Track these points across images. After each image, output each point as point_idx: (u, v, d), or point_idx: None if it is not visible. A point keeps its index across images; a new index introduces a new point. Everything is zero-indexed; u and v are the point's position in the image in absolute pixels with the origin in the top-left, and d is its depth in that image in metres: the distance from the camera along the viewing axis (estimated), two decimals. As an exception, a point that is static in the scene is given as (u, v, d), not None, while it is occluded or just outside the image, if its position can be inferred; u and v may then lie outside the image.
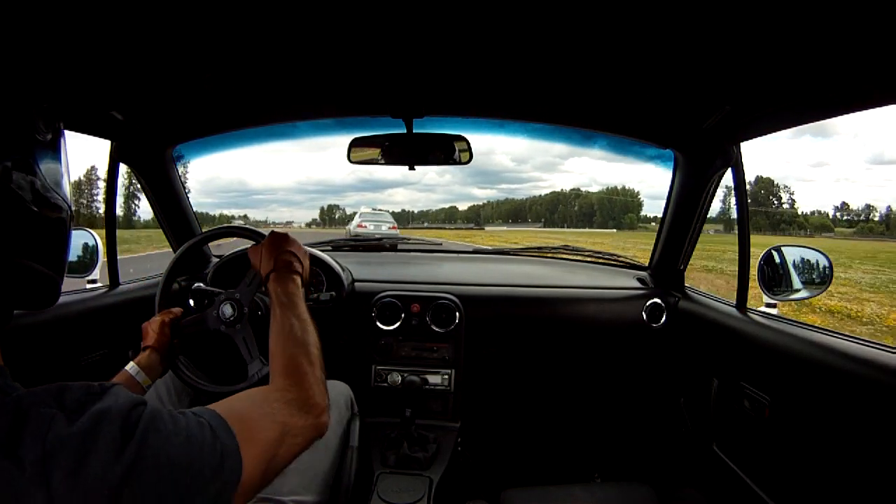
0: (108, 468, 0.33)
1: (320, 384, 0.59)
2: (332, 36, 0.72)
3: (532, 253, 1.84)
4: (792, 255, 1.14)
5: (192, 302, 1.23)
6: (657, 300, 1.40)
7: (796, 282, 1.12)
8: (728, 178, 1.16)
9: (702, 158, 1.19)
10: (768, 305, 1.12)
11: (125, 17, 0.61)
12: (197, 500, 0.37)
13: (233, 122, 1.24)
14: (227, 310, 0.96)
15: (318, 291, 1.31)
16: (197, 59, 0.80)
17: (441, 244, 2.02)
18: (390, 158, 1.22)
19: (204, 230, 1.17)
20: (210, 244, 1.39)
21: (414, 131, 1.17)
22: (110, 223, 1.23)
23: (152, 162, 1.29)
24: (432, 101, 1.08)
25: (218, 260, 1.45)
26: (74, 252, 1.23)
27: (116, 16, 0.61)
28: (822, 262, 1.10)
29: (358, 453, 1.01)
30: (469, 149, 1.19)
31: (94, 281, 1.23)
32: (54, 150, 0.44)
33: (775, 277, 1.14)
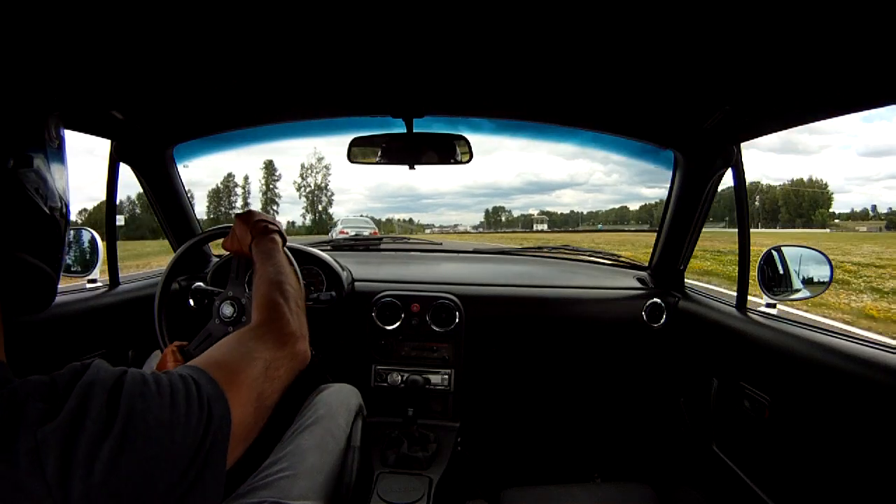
0: (99, 445, 0.33)
1: (296, 316, 0.60)
2: (333, 36, 0.72)
3: (532, 253, 1.84)
4: (792, 255, 1.14)
5: (192, 302, 1.23)
6: (657, 300, 1.40)
7: (796, 282, 1.12)
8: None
9: (702, 158, 1.19)
10: (768, 305, 1.12)
11: (125, 16, 0.61)
12: (195, 455, 0.37)
13: (233, 122, 1.24)
14: (227, 310, 0.96)
15: (318, 291, 1.31)
16: (197, 59, 0.79)
17: (441, 244, 2.02)
18: (391, 158, 1.22)
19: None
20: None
21: (414, 131, 1.17)
22: (110, 223, 1.23)
23: (152, 162, 1.29)
24: (433, 101, 1.08)
25: (218, 259, 1.45)
26: (75, 252, 1.23)
27: (117, 15, 0.61)
28: (822, 262, 1.10)
29: (360, 453, 1.01)
30: (469, 149, 1.19)
31: (94, 280, 1.23)
32: (59, 153, 0.45)
33: (775, 277, 1.14)
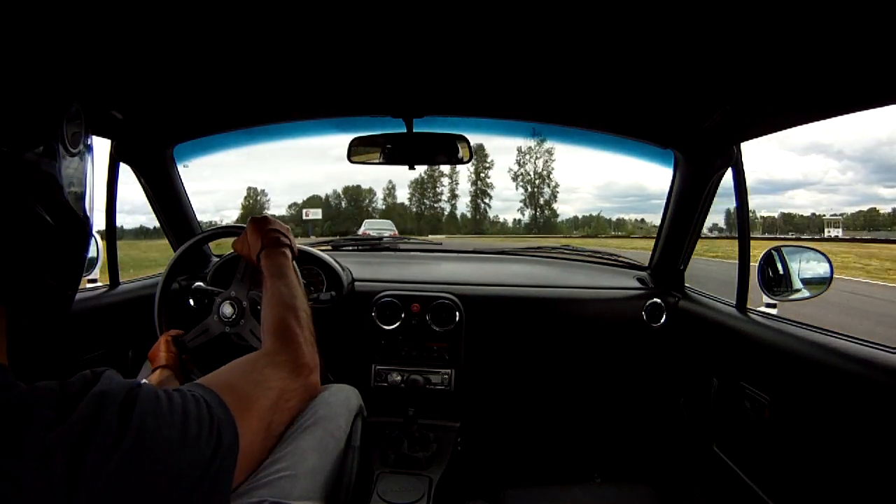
0: (108, 456, 0.33)
1: (309, 345, 0.61)
2: (333, 36, 0.72)
3: (532, 252, 1.84)
4: (792, 255, 1.14)
5: (192, 302, 1.23)
6: (657, 300, 1.40)
7: (796, 282, 1.12)
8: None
9: (702, 158, 1.19)
10: (768, 305, 1.12)
11: (125, 16, 0.61)
12: (201, 478, 0.37)
13: (233, 122, 1.24)
14: (227, 309, 0.96)
15: (318, 291, 1.31)
16: (197, 59, 0.80)
17: (441, 244, 2.02)
18: (391, 158, 1.22)
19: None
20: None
21: (414, 131, 1.17)
22: (110, 223, 1.23)
23: (152, 162, 1.29)
24: (432, 101, 1.08)
25: (218, 259, 1.45)
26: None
27: (116, 15, 0.61)
28: (822, 262, 1.10)
29: (359, 453, 1.02)
30: (469, 148, 1.19)
31: (94, 280, 1.23)
32: (80, 163, 0.43)
33: (775, 278, 1.14)
